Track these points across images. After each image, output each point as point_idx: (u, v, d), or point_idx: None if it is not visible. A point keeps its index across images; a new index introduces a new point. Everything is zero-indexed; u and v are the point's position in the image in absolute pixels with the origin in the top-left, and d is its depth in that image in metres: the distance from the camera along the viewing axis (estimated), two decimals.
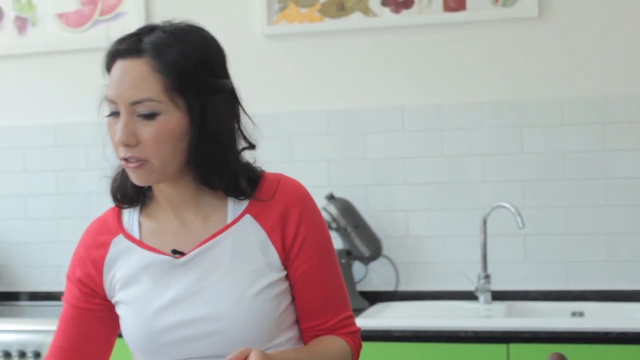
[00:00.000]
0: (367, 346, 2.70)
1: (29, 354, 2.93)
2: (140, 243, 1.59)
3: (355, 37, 3.40)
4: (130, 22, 3.58)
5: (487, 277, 3.09)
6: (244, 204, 1.57)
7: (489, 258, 3.15)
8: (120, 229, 1.61)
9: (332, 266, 1.61)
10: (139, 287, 1.56)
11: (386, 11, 3.36)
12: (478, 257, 3.15)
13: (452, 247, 3.27)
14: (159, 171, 1.51)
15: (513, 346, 2.61)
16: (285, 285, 1.57)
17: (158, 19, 3.51)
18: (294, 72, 3.44)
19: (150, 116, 1.48)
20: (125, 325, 1.59)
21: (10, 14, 3.70)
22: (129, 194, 1.61)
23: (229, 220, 1.57)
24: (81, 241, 1.66)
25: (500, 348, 2.62)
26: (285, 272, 1.57)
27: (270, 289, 1.54)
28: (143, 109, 1.48)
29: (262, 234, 1.56)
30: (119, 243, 1.60)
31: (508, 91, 3.29)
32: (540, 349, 2.59)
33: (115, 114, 1.52)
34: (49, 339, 2.89)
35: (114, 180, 1.65)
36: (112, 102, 1.51)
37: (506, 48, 3.29)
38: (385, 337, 2.71)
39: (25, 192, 3.67)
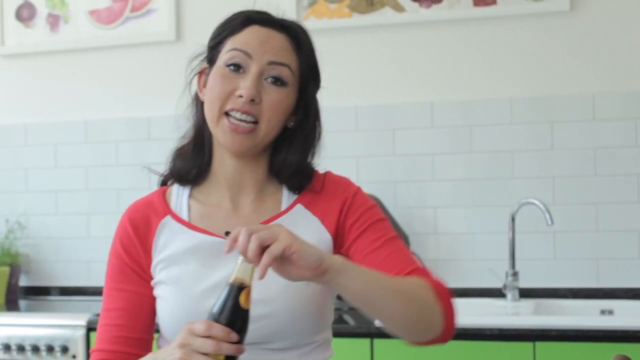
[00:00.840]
0: (390, 344, 2.70)
1: (57, 348, 2.95)
2: (189, 224, 1.58)
3: (385, 32, 3.38)
4: (160, 19, 3.60)
5: (515, 274, 3.05)
6: (295, 195, 1.61)
7: (518, 255, 3.12)
8: (167, 210, 1.61)
9: (394, 238, 1.59)
10: (183, 267, 1.54)
11: (416, 6, 3.34)
12: (506, 254, 3.12)
13: (480, 244, 3.24)
14: (258, 140, 1.53)
15: (539, 344, 2.57)
16: None
17: (189, 15, 3.60)
18: (323, 68, 3.41)
19: (280, 82, 1.53)
20: (165, 305, 1.56)
21: (42, 11, 3.74)
22: (191, 171, 1.62)
23: (283, 208, 1.59)
24: (125, 222, 1.63)
25: (527, 346, 2.59)
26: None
27: None
28: (276, 72, 1.52)
29: (314, 220, 1.58)
30: (167, 224, 1.59)
31: (539, 86, 3.25)
32: (567, 347, 2.56)
33: (237, 67, 1.53)
34: (77, 334, 2.94)
35: (177, 158, 1.64)
36: (246, 54, 1.52)
37: (537, 43, 3.25)
38: None
39: (56, 187, 3.71)
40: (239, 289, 1.29)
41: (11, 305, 3.48)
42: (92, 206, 3.66)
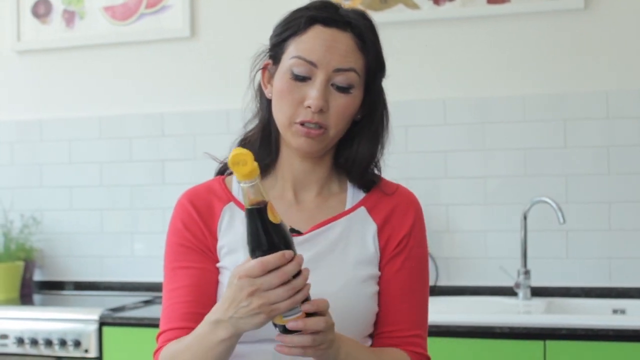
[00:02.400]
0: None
1: (70, 342, 2.97)
2: None
3: (398, 29, 3.38)
4: (175, 15, 3.61)
5: (527, 272, 3.05)
6: (361, 196, 1.61)
7: (529, 253, 3.11)
8: (230, 196, 1.60)
9: (424, 281, 1.63)
10: (245, 258, 1.51)
11: (429, 3, 3.33)
12: (518, 253, 3.11)
13: (492, 242, 3.24)
14: (327, 142, 1.54)
15: (550, 343, 2.57)
16: (376, 285, 1.58)
17: (203, 12, 3.61)
18: None
19: (346, 89, 1.52)
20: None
21: (58, 7, 3.76)
22: (258, 157, 1.58)
23: (347, 207, 1.60)
24: (186, 203, 1.62)
25: (537, 345, 2.58)
26: (377, 269, 1.59)
27: (372, 281, 1.56)
28: (342, 79, 1.51)
29: (373, 227, 1.59)
30: (230, 210, 1.58)
31: (552, 84, 3.24)
32: (578, 346, 2.55)
33: (301, 77, 1.52)
34: (90, 328, 2.96)
35: (244, 145, 1.63)
36: (311, 64, 1.51)
37: (551, 40, 3.24)
38: None
39: (71, 183, 3.73)
40: (259, 209, 1.27)
41: (25, 299, 3.51)
42: (106, 202, 3.68)
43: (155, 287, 3.57)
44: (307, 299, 1.31)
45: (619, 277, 3.14)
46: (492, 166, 3.26)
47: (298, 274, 1.29)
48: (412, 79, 3.35)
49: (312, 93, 1.50)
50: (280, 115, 1.54)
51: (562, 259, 3.18)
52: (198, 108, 3.59)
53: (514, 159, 3.24)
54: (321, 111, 1.50)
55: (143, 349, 2.94)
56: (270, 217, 1.27)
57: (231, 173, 1.63)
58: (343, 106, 1.52)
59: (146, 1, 3.66)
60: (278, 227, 1.27)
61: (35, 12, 3.79)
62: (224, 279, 1.56)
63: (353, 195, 1.61)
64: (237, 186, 1.61)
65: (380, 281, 1.59)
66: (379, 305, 1.58)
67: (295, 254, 1.29)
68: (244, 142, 1.64)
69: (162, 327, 1.55)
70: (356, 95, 1.54)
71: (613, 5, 3.18)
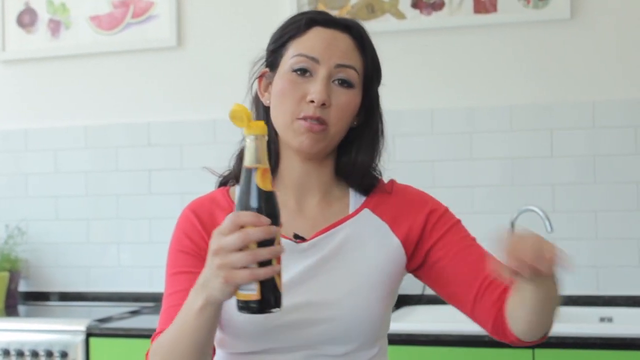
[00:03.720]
0: (391, 350, 2.69)
1: (56, 354, 2.95)
2: None
3: (386, 39, 3.36)
4: (161, 25, 3.61)
5: None
6: (363, 198, 1.61)
7: None
8: (234, 206, 1.57)
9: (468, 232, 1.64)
10: None
11: (416, 13, 3.35)
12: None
13: None
14: (328, 140, 1.53)
15: (538, 351, 2.57)
16: (397, 283, 1.57)
17: (190, 21, 3.60)
18: None
19: (348, 84, 1.53)
20: (233, 305, 1.48)
21: (44, 16, 3.75)
22: None
23: (350, 211, 1.59)
24: (189, 214, 1.60)
25: (526, 353, 2.59)
26: (403, 265, 1.58)
27: (386, 282, 1.54)
28: (344, 75, 1.53)
29: (382, 224, 1.57)
30: None
31: (539, 94, 3.25)
32: (566, 354, 2.56)
33: (303, 71, 1.53)
34: (76, 339, 2.94)
35: (239, 160, 1.63)
36: (312, 60, 1.52)
37: (537, 50, 3.26)
38: (409, 341, 2.68)
39: (56, 193, 3.71)
40: (251, 170, 1.24)
41: (11, 310, 3.48)
42: (92, 212, 3.66)
43: (142, 298, 3.56)
44: (274, 285, 1.23)
45: (606, 285, 3.15)
46: (479, 175, 3.27)
47: (270, 245, 1.21)
48: (399, 89, 3.35)
49: (315, 87, 1.50)
50: (281, 115, 1.54)
51: None
52: (184, 118, 3.59)
53: (501, 169, 3.25)
54: (324, 105, 1.50)
55: None
56: (258, 181, 1.23)
57: (234, 184, 1.63)
58: (345, 102, 1.52)
59: (132, 11, 3.65)
60: (264, 193, 1.23)
61: (20, 22, 3.77)
62: None
63: (355, 198, 1.61)
64: None
65: (431, 259, 1.56)
66: (451, 274, 1.55)
67: (275, 225, 1.23)
68: (241, 156, 1.61)
69: (157, 329, 1.55)
70: (356, 94, 1.55)
71: (599, 16, 3.20)
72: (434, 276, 1.59)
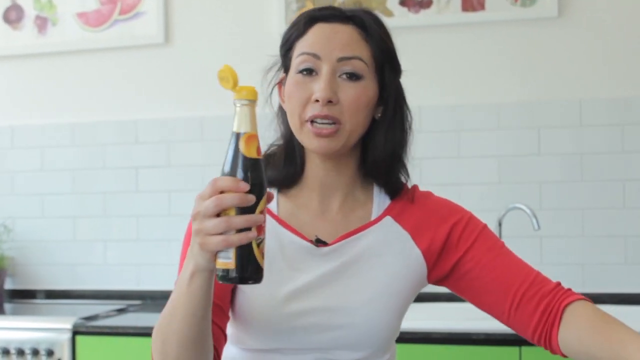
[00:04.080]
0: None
1: (42, 352, 2.94)
2: (280, 220, 1.53)
3: None
4: (149, 22, 3.59)
5: None
6: (386, 204, 1.57)
7: None
8: None
9: (499, 239, 1.60)
10: (269, 265, 1.45)
11: (404, 11, 3.35)
12: None
13: None
14: (345, 138, 1.48)
15: (525, 349, 2.58)
16: (414, 293, 1.55)
17: (177, 18, 3.59)
18: None
19: (355, 77, 1.48)
20: (247, 301, 1.48)
21: (30, 13, 3.73)
22: (283, 179, 1.56)
23: (373, 218, 1.56)
24: None
25: (513, 351, 2.59)
26: (424, 276, 1.55)
27: (404, 293, 1.52)
28: (349, 67, 1.47)
29: (403, 234, 1.55)
30: None
31: (526, 92, 3.26)
32: None
33: (309, 71, 1.48)
34: (63, 337, 2.93)
35: (268, 161, 1.57)
36: (314, 57, 1.48)
37: (525, 48, 3.27)
38: (397, 339, 2.68)
39: (43, 190, 3.69)
40: (236, 136, 1.21)
41: None
42: (79, 209, 3.65)
43: (129, 295, 3.55)
44: (252, 255, 1.19)
45: (592, 282, 3.16)
46: (466, 173, 3.27)
47: (250, 212, 1.18)
48: None
49: (318, 86, 1.46)
50: (291, 119, 1.50)
51: (536, 265, 3.17)
52: (172, 115, 3.58)
53: (488, 166, 3.26)
54: (330, 103, 1.45)
55: (117, 358, 2.92)
56: (242, 147, 1.20)
57: None
58: (354, 96, 1.47)
59: (120, 7, 3.64)
60: (247, 160, 1.20)
61: (7, 18, 3.75)
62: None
63: (379, 204, 1.57)
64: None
65: (461, 270, 1.53)
66: (483, 286, 1.52)
67: (257, 194, 1.19)
68: (270, 160, 1.57)
69: None
70: (367, 86, 1.49)
71: (586, 14, 3.21)
72: (464, 287, 1.56)
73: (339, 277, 1.49)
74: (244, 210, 1.18)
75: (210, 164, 3.46)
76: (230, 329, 1.53)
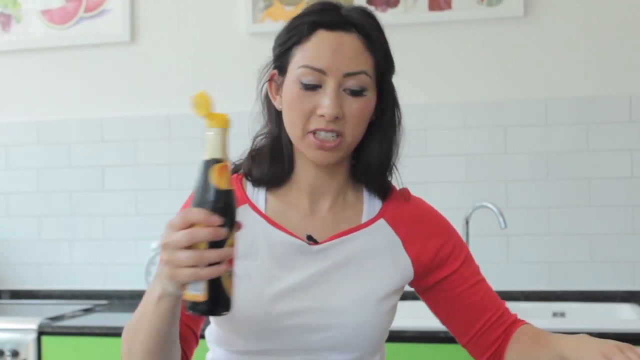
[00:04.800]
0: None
1: (7, 353, 2.90)
2: (268, 219, 1.52)
3: None
4: (115, 20, 3.57)
5: None
6: (378, 206, 1.57)
7: None
8: (245, 198, 1.53)
9: (476, 264, 1.65)
10: (258, 263, 1.48)
11: (371, 10, 3.34)
12: None
13: None
14: (345, 149, 1.48)
15: None
16: (399, 296, 1.56)
17: (143, 16, 3.57)
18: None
19: (359, 92, 1.46)
20: (236, 301, 1.43)
21: None
22: (268, 179, 1.55)
23: (364, 219, 1.56)
24: None
25: None
26: (408, 282, 1.57)
27: (391, 298, 1.52)
28: (354, 82, 1.45)
29: (396, 240, 1.55)
30: (244, 212, 1.50)
31: (492, 91, 3.28)
32: None
33: (312, 86, 1.45)
34: (28, 338, 2.90)
35: (253, 163, 1.55)
36: (320, 72, 1.44)
37: (491, 47, 3.28)
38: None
39: (7, 189, 3.65)
40: (207, 165, 1.18)
41: None
42: (44, 208, 3.61)
43: (95, 295, 3.53)
44: (222, 287, 1.19)
45: (558, 280, 3.19)
46: (434, 172, 3.28)
47: (220, 246, 1.17)
48: None
49: (325, 102, 1.43)
50: (292, 127, 1.48)
51: (503, 263, 3.22)
52: (138, 113, 3.55)
53: (455, 165, 3.27)
54: (336, 119, 1.44)
55: (83, 358, 2.90)
56: (213, 178, 1.18)
57: (244, 174, 1.58)
58: (358, 110, 1.46)
59: (85, 5, 3.61)
60: (218, 192, 1.18)
61: None
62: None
63: (369, 205, 1.57)
64: (253, 189, 1.56)
65: (440, 289, 1.58)
66: (463, 303, 1.58)
67: (228, 227, 1.17)
68: (255, 156, 1.56)
69: None
70: (370, 98, 1.48)
71: (552, 14, 3.23)
72: (437, 301, 1.61)
73: (330, 278, 1.49)
74: (215, 243, 1.17)
75: (178, 162, 3.45)
76: (217, 331, 1.52)
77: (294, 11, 3.38)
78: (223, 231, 1.16)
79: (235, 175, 1.57)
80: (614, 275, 3.15)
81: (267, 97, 1.56)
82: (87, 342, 2.88)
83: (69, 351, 2.91)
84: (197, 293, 1.18)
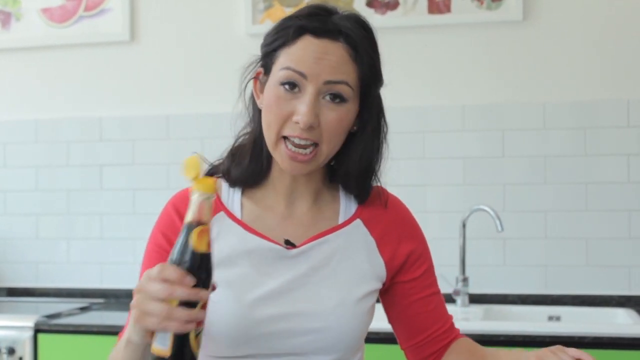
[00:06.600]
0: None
1: (4, 350, 2.91)
2: (245, 225, 1.51)
3: None
4: (115, 19, 3.57)
5: (465, 280, 3.08)
6: (354, 206, 1.57)
7: (468, 261, 3.15)
8: (220, 205, 1.52)
9: (435, 279, 1.67)
10: (236, 271, 1.47)
11: (371, 12, 3.36)
12: (456, 260, 3.14)
13: (431, 250, 3.23)
14: (319, 161, 1.46)
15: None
16: (375, 299, 1.57)
17: (143, 15, 3.56)
18: None
19: (339, 101, 1.43)
20: (214, 310, 1.37)
21: None
22: (246, 178, 1.53)
23: (341, 220, 1.56)
24: (170, 211, 1.53)
25: None
26: (382, 283, 1.58)
27: (370, 297, 1.53)
28: (334, 91, 1.42)
29: (370, 240, 1.56)
30: (220, 220, 1.50)
31: (491, 94, 3.28)
32: None
33: (292, 86, 1.42)
34: (24, 335, 2.90)
35: (232, 162, 1.54)
36: (300, 75, 1.41)
37: (490, 51, 3.29)
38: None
39: (5, 187, 3.66)
40: (189, 228, 1.18)
41: None
42: (42, 207, 3.62)
43: (91, 294, 3.53)
44: (189, 345, 1.19)
45: (554, 284, 3.19)
46: (431, 175, 3.29)
47: (193, 306, 1.17)
48: None
49: (301, 108, 1.41)
50: (267, 130, 1.46)
51: (500, 267, 3.23)
52: (136, 113, 3.56)
53: (453, 168, 3.28)
54: (311, 127, 1.42)
55: (79, 356, 2.90)
56: (193, 241, 1.18)
57: (221, 176, 1.57)
58: (335, 120, 1.43)
59: (85, 4, 3.61)
60: (197, 255, 1.18)
61: None
62: (213, 294, 1.49)
63: (346, 205, 1.57)
64: (228, 194, 1.55)
65: (397, 292, 1.59)
66: (415, 310, 1.60)
67: (201, 287, 1.17)
68: (235, 154, 1.55)
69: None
70: (350, 109, 1.45)
71: (551, 18, 3.24)
72: (390, 303, 1.62)
73: (309, 281, 1.49)
74: (188, 302, 1.17)
75: (176, 162, 3.45)
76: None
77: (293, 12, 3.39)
78: (200, 294, 1.17)
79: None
80: (610, 280, 3.16)
81: (252, 95, 1.55)
82: (84, 340, 2.89)
83: (66, 349, 2.91)
84: (163, 348, 1.18)
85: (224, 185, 1.56)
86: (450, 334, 1.62)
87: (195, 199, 1.19)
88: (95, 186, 3.58)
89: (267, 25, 3.39)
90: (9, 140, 3.66)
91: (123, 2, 3.56)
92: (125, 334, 1.29)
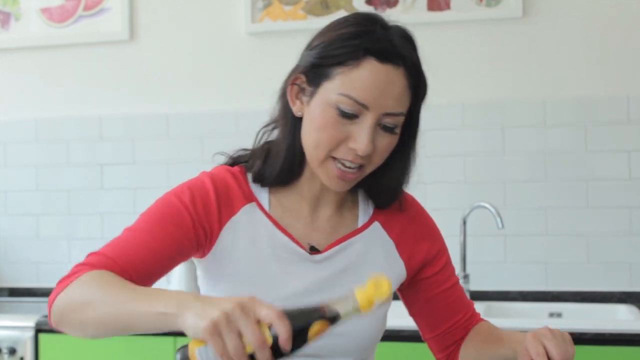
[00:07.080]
0: None
1: (5, 350, 2.91)
2: (274, 221, 1.51)
3: None
4: (114, 18, 3.57)
5: (466, 277, 3.08)
6: (371, 209, 1.59)
7: (469, 258, 3.15)
8: (253, 196, 1.51)
9: (454, 271, 1.70)
10: (261, 267, 1.47)
11: (370, 9, 3.35)
12: (457, 257, 3.14)
13: None
14: (361, 177, 1.47)
15: None
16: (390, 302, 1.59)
17: (142, 15, 3.56)
18: (278, 69, 3.41)
19: (392, 129, 1.42)
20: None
21: None
22: (275, 180, 1.51)
23: (360, 223, 1.58)
24: (207, 181, 1.49)
25: None
26: (401, 283, 1.61)
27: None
28: (391, 121, 1.40)
29: (388, 242, 1.58)
30: (250, 211, 1.50)
31: (491, 91, 3.28)
32: None
33: (349, 115, 1.39)
34: (25, 335, 2.90)
35: (264, 162, 1.51)
36: (362, 106, 1.38)
37: (490, 48, 3.29)
38: None
39: (6, 187, 3.66)
40: (322, 315, 1.17)
41: None
42: (42, 206, 3.62)
43: None
44: None
45: (555, 281, 3.19)
46: (431, 172, 3.29)
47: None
48: None
49: (361, 137, 1.39)
50: (313, 147, 1.43)
51: (501, 264, 3.23)
52: (136, 111, 3.56)
53: (453, 165, 3.27)
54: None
55: (80, 357, 2.90)
56: (313, 328, 1.16)
57: (241, 164, 1.54)
58: (387, 145, 1.43)
59: (84, 3, 3.61)
60: (303, 339, 1.16)
61: None
62: (230, 284, 1.47)
63: (364, 208, 1.59)
64: (256, 187, 1.52)
65: (419, 287, 1.63)
66: (439, 302, 1.64)
67: (278, 356, 1.13)
68: (267, 154, 1.52)
69: (101, 250, 1.45)
70: (398, 133, 1.45)
71: (550, 14, 3.24)
72: (412, 298, 1.66)
73: (334, 285, 1.49)
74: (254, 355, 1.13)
75: (176, 161, 3.45)
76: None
77: (292, 11, 3.39)
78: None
79: (237, 168, 1.54)
80: (610, 276, 3.16)
81: (283, 94, 1.50)
82: (84, 340, 2.88)
83: (67, 349, 2.91)
84: None
85: (249, 176, 1.54)
86: (472, 321, 1.66)
87: (352, 298, 1.19)
88: (96, 185, 3.58)
89: (267, 23, 3.41)
90: (9, 140, 3.66)
91: (122, 1, 3.56)
92: (168, 304, 1.18)
